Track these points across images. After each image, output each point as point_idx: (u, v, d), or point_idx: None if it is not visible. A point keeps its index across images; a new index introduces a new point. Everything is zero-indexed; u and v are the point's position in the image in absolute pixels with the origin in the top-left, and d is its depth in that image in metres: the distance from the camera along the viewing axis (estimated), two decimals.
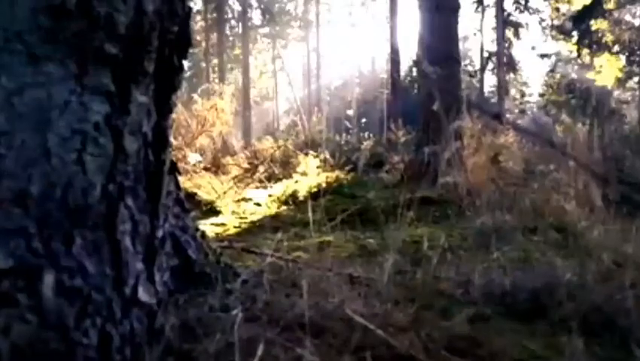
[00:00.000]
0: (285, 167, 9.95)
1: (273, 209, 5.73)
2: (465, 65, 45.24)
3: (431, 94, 5.48)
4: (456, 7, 5.43)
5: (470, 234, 2.78)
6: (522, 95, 41.14)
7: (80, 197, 0.65)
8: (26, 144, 0.60)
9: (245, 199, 5.89)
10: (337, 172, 9.70)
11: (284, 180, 8.66)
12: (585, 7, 21.96)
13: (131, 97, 0.66)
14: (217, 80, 34.24)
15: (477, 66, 38.20)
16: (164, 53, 0.69)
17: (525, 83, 43.83)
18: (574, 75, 33.66)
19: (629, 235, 2.44)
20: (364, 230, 4.04)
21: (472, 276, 1.29)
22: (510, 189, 5.57)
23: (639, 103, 30.97)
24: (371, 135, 17.08)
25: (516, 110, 44.77)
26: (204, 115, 7.83)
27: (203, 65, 35.58)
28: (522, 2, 28.17)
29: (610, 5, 22.71)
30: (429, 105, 5.46)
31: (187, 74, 39.84)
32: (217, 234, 4.17)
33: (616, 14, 23.18)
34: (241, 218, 4.82)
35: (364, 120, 17.94)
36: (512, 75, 36.11)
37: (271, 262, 1.49)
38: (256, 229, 4.32)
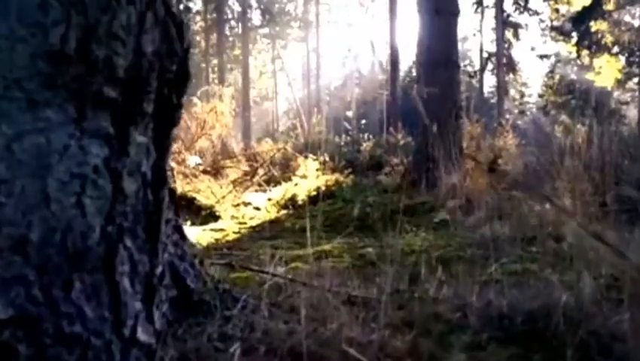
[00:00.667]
0: (285, 169, 9.96)
1: (273, 213, 5.74)
2: (465, 66, 45.24)
3: (431, 97, 5.48)
4: (456, 12, 5.43)
5: (468, 243, 2.79)
6: (522, 95, 41.15)
7: (80, 240, 0.66)
8: (26, 190, 0.61)
9: (244, 203, 5.90)
10: (337, 175, 9.71)
11: (283, 183, 8.67)
12: (584, 8, 21.98)
13: (130, 138, 0.67)
14: (216, 81, 34.26)
15: (477, 66, 38.22)
16: (163, 92, 0.69)
17: (524, 84, 43.85)
18: (573, 76, 33.70)
19: (628, 245, 2.44)
20: (362, 237, 4.05)
21: (469, 298, 1.30)
22: (509, 193, 5.59)
23: (639, 104, 30.97)
24: (370, 137, 17.03)
25: (516, 111, 44.79)
26: (203, 118, 7.83)
27: (203, 65, 35.57)
28: (522, 3, 28.17)
29: (609, 6, 22.71)
30: (429, 108, 5.46)
31: None
32: (216, 240, 4.18)
33: (615, 15, 23.19)
34: (240, 223, 4.82)
35: (363, 122, 17.92)
36: (511, 76, 36.11)
37: (270, 281, 1.50)
38: (255, 234, 4.33)
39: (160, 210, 0.77)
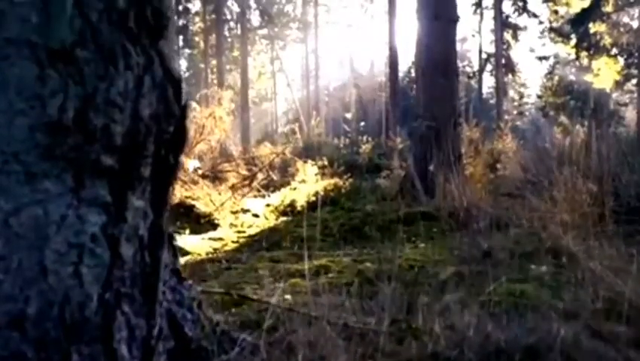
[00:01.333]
0: (284, 173, 9.97)
1: (271, 221, 5.74)
2: (464, 67, 45.26)
3: (429, 106, 5.49)
4: (455, 19, 5.43)
5: (466, 258, 2.79)
6: (521, 96, 41.15)
7: (77, 311, 0.65)
8: (23, 264, 0.60)
9: (243, 210, 5.90)
10: (336, 179, 9.72)
11: (282, 189, 8.67)
12: (583, 10, 21.98)
13: (127, 204, 0.67)
14: (215, 81, 34.23)
15: (476, 67, 38.21)
16: (160, 154, 0.69)
17: (523, 85, 43.85)
18: (572, 77, 33.70)
19: (625, 263, 2.45)
20: (361, 248, 4.05)
21: (467, 332, 1.30)
22: (508, 202, 5.59)
23: (638, 105, 30.97)
24: (369, 139, 17.07)
25: (515, 112, 44.78)
26: (202, 123, 7.82)
27: (202, 66, 35.54)
28: (521, 4, 28.16)
29: (608, 8, 22.72)
30: (426, 117, 5.47)
31: (186, 75, 39.80)
32: (215, 250, 4.18)
33: (614, 17, 23.20)
34: (239, 232, 4.82)
35: (362, 124, 17.90)
36: (510, 77, 36.09)
37: (269, 311, 1.49)
38: (254, 244, 4.33)
39: (157, 271, 0.77)
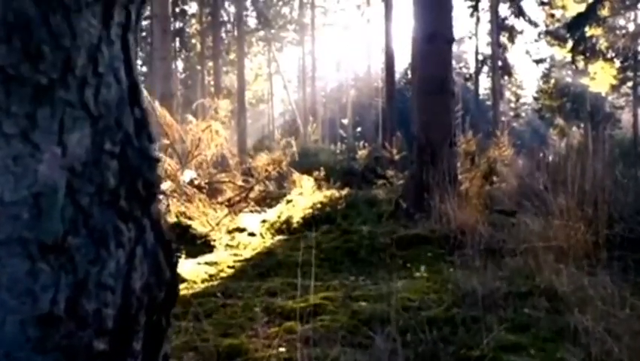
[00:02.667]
0: (280, 184, 9.97)
1: (268, 240, 5.74)
2: (460, 68, 45.32)
3: (425, 126, 5.50)
4: (450, 39, 5.44)
5: (461, 298, 2.80)
6: (517, 98, 41.22)
7: None
8: None
9: (239, 229, 5.90)
10: (332, 191, 9.74)
11: (279, 201, 8.68)
12: (580, 15, 22.03)
13: None
14: (212, 82, 34.21)
15: (472, 67, 38.29)
16: (152, 321, 0.70)
17: (519, 86, 43.91)
18: (568, 79, 33.82)
19: (620, 305, 2.46)
20: (358, 274, 4.06)
21: None
22: (503, 220, 5.60)
23: (634, 108, 31.08)
24: (365, 145, 17.06)
25: (511, 113, 44.88)
26: (198, 136, 7.82)
27: (198, 67, 35.54)
28: (517, 8, 28.20)
29: (604, 12, 22.76)
30: (422, 137, 5.48)
31: (182, 76, 39.77)
32: (210, 276, 4.18)
33: (610, 20, 23.25)
34: (235, 255, 4.82)
35: (359, 129, 17.90)
36: (507, 78, 36.16)
37: None
38: (250, 269, 4.33)
39: None
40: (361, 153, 16.47)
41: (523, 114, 48.09)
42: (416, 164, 5.43)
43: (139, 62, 36.23)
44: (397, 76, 29.85)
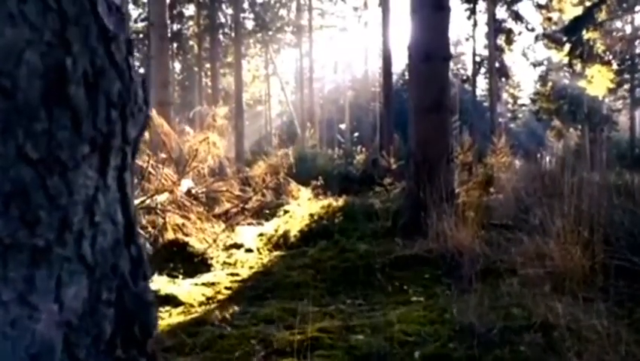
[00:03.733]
0: (278, 192, 9.98)
1: (265, 256, 5.75)
2: (457, 70, 45.37)
3: (422, 144, 5.51)
4: (447, 57, 5.44)
5: (458, 332, 2.81)
6: (515, 99, 41.27)
7: None
8: None
9: (236, 245, 5.90)
10: (330, 200, 9.77)
11: (277, 210, 8.69)
12: (577, 18, 22.05)
13: None
14: (209, 83, 34.19)
15: (469, 68, 38.29)
16: None
17: (517, 87, 43.96)
18: (565, 81, 33.87)
19: (616, 341, 2.48)
20: (355, 297, 4.07)
21: None
22: (500, 237, 5.61)
23: (631, 111, 31.18)
24: (363, 150, 17.11)
25: (509, 115, 44.94)
26: (196, 147, 7.82)
27: (196, 69, 35.50)
28: (513, 13, 28.25)
29: (602, 15, 22.79)
30: (419, 154, 5.49)
31: (179, 77, 39.71)
32: (207, 299, 4.19)
33: (607, 24, 23.29)
34: (232, 274, 4.82)
35: (356, 134, 17.88)
36: (504, 80, 36.21)
37: None
38: (247, 291, 4.33)
39: None
40: (359, 157, 16.53)
41: (520, 115, 48.18)
42: (413, 181, 5.44)
43: (137, 62, 36.09)
44: (395, 77, 29.85)
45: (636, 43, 27.99)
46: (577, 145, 41.41)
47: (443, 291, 4.09)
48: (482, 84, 42.99)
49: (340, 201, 9.78)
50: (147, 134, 12.19)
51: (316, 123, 33.75)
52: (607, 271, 3.82)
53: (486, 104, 40.96)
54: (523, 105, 42.91)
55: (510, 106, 43.45)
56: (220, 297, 4.24)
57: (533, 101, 36.11)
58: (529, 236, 5.07)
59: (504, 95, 41.27)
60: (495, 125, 27.97)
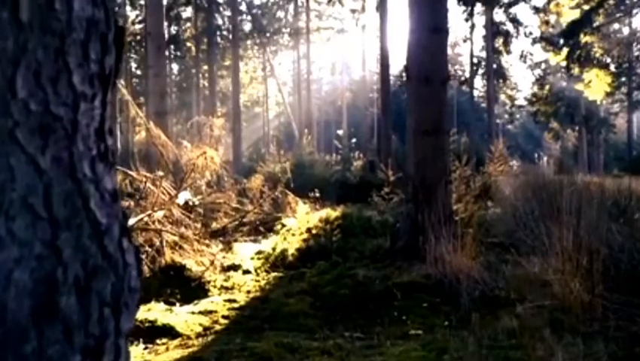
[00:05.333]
0: (276, 203, 9.96)
1: (262, 278, 5.73)
2: (455, 71, 45.36)
3: (420, 166, 5.49)
4: (445, 80, 5.41)
5: None
6: (512, 100, 41.28)
7: None
8: None
9: (234, 266, 5.88)
10: (328, 210, 9.74)
11: (275, 224, 8.67)
12: (574, 23, 22.05)
13: None
14: (206, 84, 34.06)
15: (467, 68, 38.29)
16: None
17: (514, 88, 43.95)
18: (563, 83, 33.90)
19: None
20: (353, 329, 4.05)
21: None
22: (498, 257, 5.61)
23: (628, 114, 31.21)
24: (361, 155, 17.10)
25: (506, 116, 44.97)
26: (194, 162, 7.80)
27: (193, 71, 35.44)
28: (511, 19, 28.29)
29: (600, 19, 22.80)
30: (417, 177, 5.47)
31: (177, 78, 39.63)
32: (205, 330, 4.17)
33: (605, 28, 23.31)
34: (229, 301, 4.80)
35: (354, 140, 17.87)
36: (502, 81, 36.22)
37: None
38: (245, 320, 4.31)
39: None
40: (356, 163, 16.51)
41: (518, 116, 48.20)
42: (411, 204, 5.42)
43: (133, 64, 36.07)
44: (392, 79, 29.83)
45: (634, 46, 28.02)
46: (575, 146, 41.53)
47: (442, 322, 4.07)
48: (479, 85, 43.04)
49: (338, 212, 9.78)
50: (144, 146, 12.16)
51: (314, 125, 33.74)
52: (606, 305, 3.82)
53: (483, 105, 41.00)
54: (521, 107, 42.91)
55: (507, 107, 43.45)
56: (217, 327, 4.22)
57: (530, 102, 36.14)
58: (528, 257, 5.09)
59: (502, 97, 41.28)
60: (492, 127, 27.95)
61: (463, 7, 28.46)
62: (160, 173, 7.15)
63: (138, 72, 36.15)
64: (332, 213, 9.46)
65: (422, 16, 5.43)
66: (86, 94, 0.67)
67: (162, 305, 4.63)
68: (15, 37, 0.60)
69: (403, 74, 36.09)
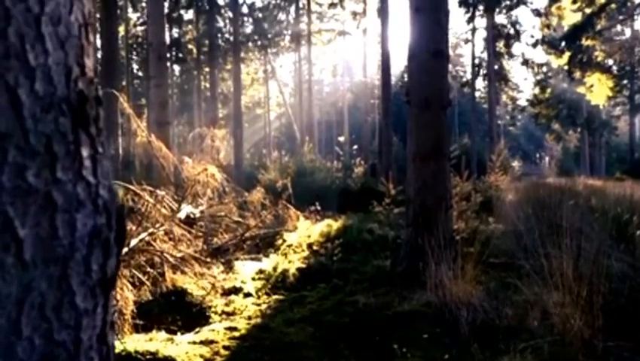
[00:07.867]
0: (277, 214, 9.98)
1: (263, 302, 5.75)
2: (456, 71, 45.35)
3: (420, 191, 5.50)
4: (445, 105, 5.42)
5: None
6: (514, 102, 41.25)
7: None
8: None
9: (235, 289, 5.90)
10: (329, 222, 9.76)
11: (276, 239, 8.70)
12: (576, 26, 22.03)
13: None
14: (208, 86, 34.07)
15: (468, 70, 38.27)
16: None
17: (516, 89, 43.93)
18: (564, 85, 33.88)
19: None
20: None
21: None
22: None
23: (630, 118, 31.17)
24: (362, 162, 17.11)
25: (507, 117, 44.94)
26: (195, 178, 7.82)
27: (195, 73, 35.45)
28: (512, 24, 28.26)
29: (602, 22, 22.76)
30: (418, 202, 5.48)
31: (178, 80, 39.65)
32: None
33: (605, 33, 23.28)
34: (230, 329, 4.82)
35: (355, 147, 17.86)
36: (503, 82, 36.19)
37: None
38: (245, 350, 4.33)
39: None
40: (358, 170, 16.52)
41: (519, 116, 48.16)
42: (412, 228, 5.43)
43: (134, 65, 36.08)
44: (394, 79, 29.81)
45: (636, 49, 27.96)
46: (576, 147, 41.50)
47: (442, 355, 4.09)
48: (481, 86, 42.99)
49: (340, 223, 9.81)
50: (145, 152, 12.15)
51: (315, 126, 33.72)
52: (607, 339, 3.83)
53: (485, 106, 40.94)
54: (522, 108, 42.89)
55: (509, 108, 43.44)
56: (218, 359, 4.24)
57: (532, 105, 36.12)
58: (529, 279, 5.10)
59: (503, 98, 41.26)
60: (493, 128, 27.93)
61: (464, 9, 28.46)
62: (162, 192, 7.15)
63: (140, 74, 36.18)
64: (333, 225, 9.50)
65: (423, 41, 5.44)
66: (88, 309, 0.69)
67: (163, 334, 4.65)
68: (19, 279, 0.61)
69: (404, 75, 35.96)
